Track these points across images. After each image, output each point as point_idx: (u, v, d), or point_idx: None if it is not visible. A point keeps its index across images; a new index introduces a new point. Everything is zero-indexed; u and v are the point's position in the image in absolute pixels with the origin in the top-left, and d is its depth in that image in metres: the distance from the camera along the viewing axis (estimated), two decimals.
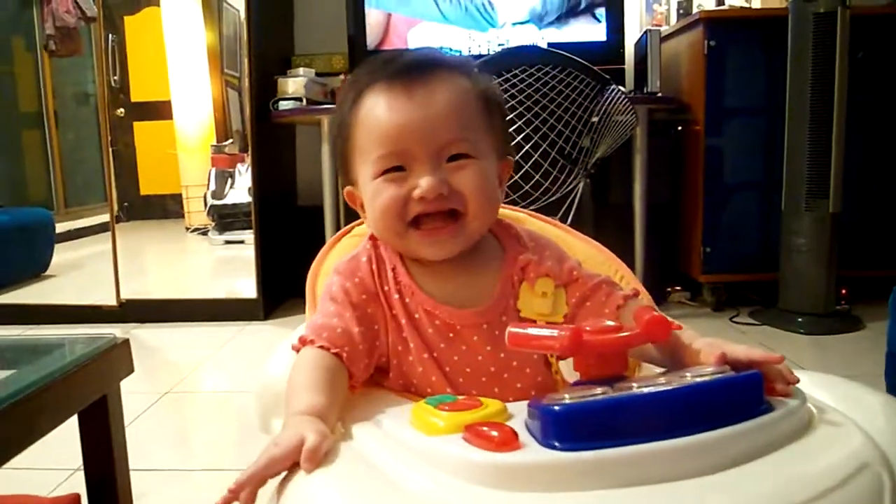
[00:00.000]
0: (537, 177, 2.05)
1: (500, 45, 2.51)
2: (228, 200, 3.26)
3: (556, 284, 0.62)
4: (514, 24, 2.54)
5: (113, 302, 2.48)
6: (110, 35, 3.02)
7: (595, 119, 2.09)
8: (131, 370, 0.79)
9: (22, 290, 2.83)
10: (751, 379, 0.43)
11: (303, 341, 0.57)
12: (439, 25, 2.55)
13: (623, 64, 2.53)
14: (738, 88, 2.32)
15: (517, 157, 2.02)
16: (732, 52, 2.30)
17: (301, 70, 2.53)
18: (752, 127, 2.34)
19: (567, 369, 0.62)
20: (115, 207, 2.70)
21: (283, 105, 2.41)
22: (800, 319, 2.14)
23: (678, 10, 2.59)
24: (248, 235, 2.96)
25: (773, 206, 2.29)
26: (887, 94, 2.28)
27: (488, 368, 0.60)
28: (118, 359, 0.75)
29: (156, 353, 2.16)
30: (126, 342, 0.77)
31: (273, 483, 0.45)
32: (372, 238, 0.65)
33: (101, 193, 3.97)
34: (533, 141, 2.02)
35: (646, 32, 2.39)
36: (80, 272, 3.24)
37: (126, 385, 0.77)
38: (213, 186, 3.35)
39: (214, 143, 3.55)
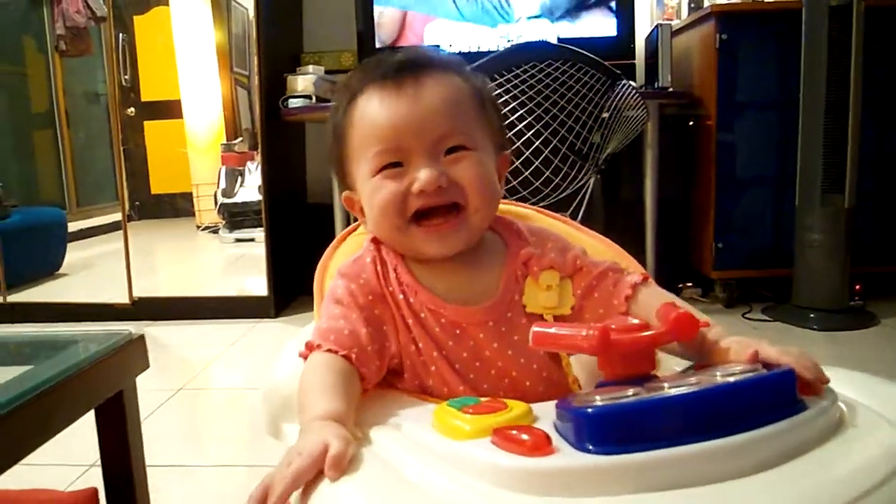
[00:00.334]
0: (547, 173, 2.04)
1: (509, 41, 2.50)
2: (238, 199, 3.27)
3: (562, 276, 0.61)
4: (528, 17, 2.54)
5: (125, 300, 2.50)
6: (121, 34, 3.03)
7: (605, 114, 2.08)
8: (146, 366, 0.79)
9: (35, 288, 2.85)
10: (784, 377, 0.42)
11: (310, 347, 0.56)
12: (455, 23, 2.54)
13: (634, 59, 2.51)
14: (750, 82, 2.30)
15: (527, 153, 2.01)
16: (744, 46, 2.28)
17: (310, 68, 2.53)
18: (765, 121, 2.32)
19: (577, 363, 0.62)
20: (127, 206, 2.72)
21: (293, 103, 2.41)
22: (813, 315, 2.12)
23: (689, 4, 2.57)
24: (259, 233, 2.97)
25: (785, 202, 2.27)
26: None
27: (496, 364, 0.60)
28: (134, 354, 0.76)
29: (168, 350, 2.17)
30: (141, 338, 0.78)
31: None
32: (374, 240, 0.65)
33: (113, 192, 4.00)
34: (543, 137, 2.01)
35: (657, 27, 2.37)
36: (92, 271, 3.26)
37: (139, 382, 0.77)
38: (223, 185, 3.36)
39: (224, 142, 3.56)
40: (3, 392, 0.59)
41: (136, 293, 2.52)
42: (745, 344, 0.50)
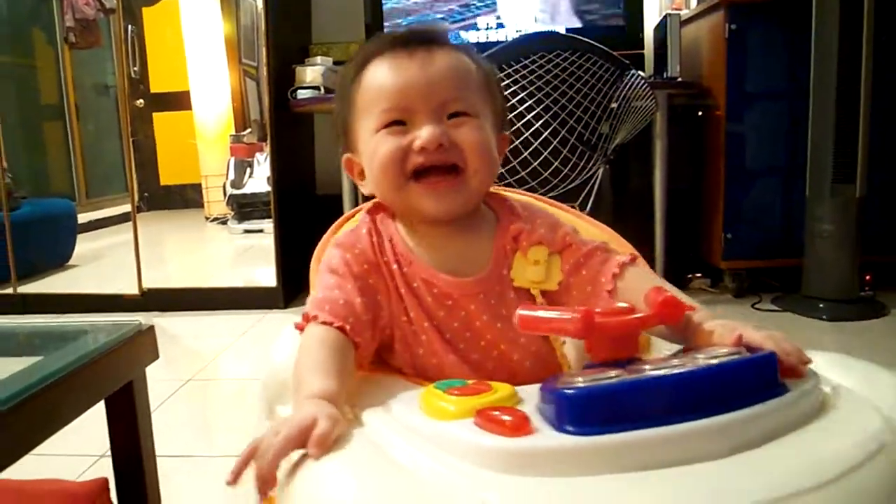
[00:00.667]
0: (556, 163, 2.04)
1: (518, 30, 2.49)
2: (247, 190, 3.28)
3: (550, 252, 0.62)
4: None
5: (135, 291, 2.52)
6: (130, 26, 3.03)
7: (614, 105, 2.07)
8: (156, 356, 0.79)
9: (46, 279, 2.87)
10: (765, 360, 0.42)
11: (306, 318, 0.57)
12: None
13: (642, 49, 2.49)
14: (759, 72, 2.28)
15: (536, 144, 2.01)
16: (754, 36, 2.26)
17: (319, 59, 2.53)
18: (775, 111, 2.30)
19: (571, 343, 0.63)
20: (136, 198, 2.73)
21: (301, 94, 2.41)
22: (822, 306, 2.11)
23: None
24: (267, 224, 2.98)
25: (795, 192, 2.25)
26: None
27: (485, 336, 0.60)
28: (143, 345, 0.76)
29: (177, 340, 2.19)
30: (151, 329, 0.78)
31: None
32: (370, 212, 0.66)
33: (122, 184, 4.02)
34: (552, 127, 2.00)
35: (665, 17, 2.35)
36: (102, 262, 3.28)
37: (149, 372, 0.78)
38: (231, 176, 3.37)
39: (233, 133, 3.57)
40: (13, 383, 0.59)
41: (146, 284, 2.54)
42: (729, 327, 0.50)
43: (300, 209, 2.74)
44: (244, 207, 3.25)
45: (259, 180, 3.28)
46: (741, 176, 2.30)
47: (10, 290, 2.62)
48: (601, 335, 0.46)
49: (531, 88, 1.97)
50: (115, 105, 4.15)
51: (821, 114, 2.09)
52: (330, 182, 2.67)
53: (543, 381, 0.44)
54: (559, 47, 1.96)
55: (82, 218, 3.46)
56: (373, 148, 0.61)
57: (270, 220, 2.61)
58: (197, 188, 3.56)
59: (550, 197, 2.10)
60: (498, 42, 2.43)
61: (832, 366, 0.48)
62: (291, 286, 2.53)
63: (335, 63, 2.60)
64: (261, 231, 3.16)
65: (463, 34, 2.54)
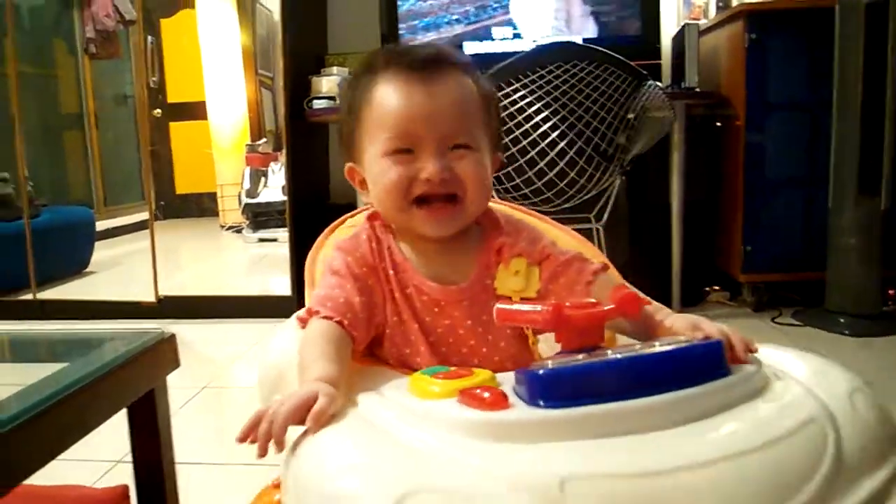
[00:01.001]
0: (572, 174, 2.03)
1: (534, 41, 2.49)
2: (262, 199, 3.29)
3: (529, 263, 0.67)
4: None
5: (151, 298, 2.53)
6: (149, 37, 3.07)
7: (631, 115, 2.06)
8: (177, 364, 0.79)
9: (64, 286, 2.90)
10: (712, 347, 0.49)
11: (309, 312, 0.62)
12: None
13: (659, 59, 2.48)
14: (779, 82, 2.26)
15: (552, 154, 2.00)
16: (774, 46, 2.24)
17: (334, 69, 2.55)
18: (795, 122, 2.28)
19: (545, 344, 0.68)
20: (153, 206, 2.75)
21: (317, 104, 2.43)
22: (844, 320, 2.08)
23: (717, 4, 2.53)
24: (282, 233, 2.99)
25: (816, 204, 2.22)
26: None
27: (468, 341, 0.66)
28: (165, 353, 0.76)
29: (193, 348, 2.19)
30: (172, 337, 0.78)
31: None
32: (369, 219, 0.71)
33: (139, 192, 4.05)
34: (568, 138, 1.99)
35: (684, 26, 2.34)
36: (119, 269, 3.31)
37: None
38: (247, 185, 3.39)
39: (248, 143, 3.59)
40: (40, 389, 0.59)
41: (162, 292, 2.55)
42: (686, 320, 0.57)
43: (315, 218, 2.73)
44: (259, 216, 3.27)
45: (274, 189, 3.30)
46: (761, 187, 2.28)
47: (29, 297, 2.65)
48: (569, 326, 0.51)
49: (548, 99, 1.96)
50: (133, 115, 4.19)
51: (844, 124, 2.07)
52: (344, 191, 2.68)
53: (517, 370, 0.50)
54: (576, 58, 1.95)
55: (100, 226, 3.49)
56: (379, 171, 0.65)
57: (285, 229, 2.62)
58: (212, 197, 3.59)
59: (566, 208, 2.10)
60: (514, 53, 2.43)
61: (775, 355, 0.55)
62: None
63: (351, 73, 2.61)
64: (275, 240, 3.17)
65: (478, 45, 2.55)
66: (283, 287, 2.50)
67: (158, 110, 3.68)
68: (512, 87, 1.95)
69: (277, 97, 3.04)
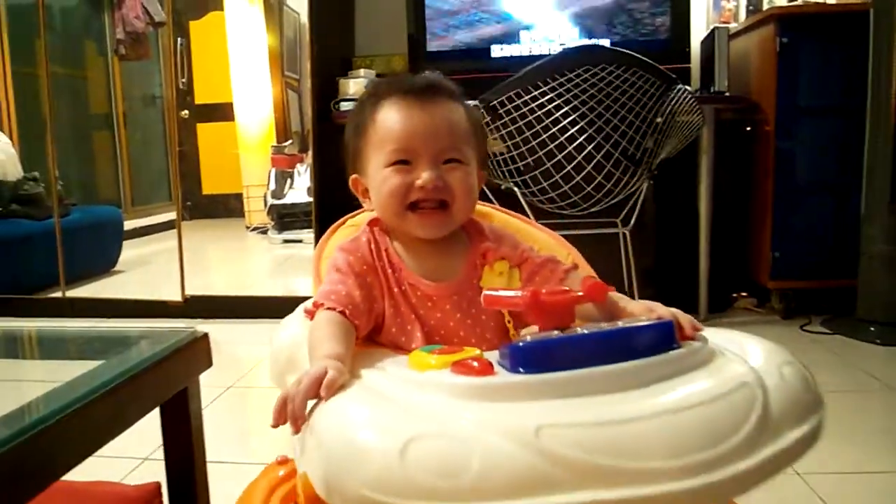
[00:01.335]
0: (599, 178, 2.01)
1: (561, 44, 2.48)
2: (288, 200, 3.32)
3: (511, 265, 0.77)
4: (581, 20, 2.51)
5: (178, 297, 2.55)
6: (179, 39, 3.11)
7: (659, 119, 2.04)
8: (209, 364, 0.80)
9: (93, 284, 2.94)
10: (664, 325, 0.58)
11: (316, 305, 0.69)
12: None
13: (688, 62, 2.46)
14: (811, 87, 2.22)
15: (580, 158, 1.98)
16: (806, 50, 2.21)
17: (362, 71, 2.56)
18: (826, 127, 2.24)
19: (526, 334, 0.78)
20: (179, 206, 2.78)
21: (345, 106, 2.44)
22: (874, 329, 2.04)
23: (747, 7, 2.50)
24: (307, 235, 3.00)
25: (847, 210, 2.19)
26: None
27: (458, 332, 0.74)
28: (198, 352, 0.77)
29: (218, 347, 2.17)
30: (205, 336, 0.79)
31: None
32: (369, 224, 0.79)
33: (166, 193, 4.11)
34: (596, 142, 1.98)
35: (713, 30, 2.32)
36: (146, 268, 3.35)
37: None
38: (272, 186, 3.42)
39: (274, 144, 3.62)
40: (77, 387, 0.60)
41: (188, 291, 2.57)
42: (643, 305, 0.68)
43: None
44: (284, 217, 3.29)
45: (299, 191, 3.32)
46: (791, 193, 2.25)
47: (58, 294, 2.69)
48: (544, 309, 0.59)
49: (576, 102, 1.95)
50: (161, 115, 4.26)
51: (877, 129, 2.03)
52: None
53: (502, 346, 0.58)
54: (605, 61, 1.94)
55: (127, 225, 3.54)
56: (381, 179, 0.74)
57: (310, 230, 2.63)
58: (238, 198, 3.63)
59: (592, 212, 2.09)
60: (542, 55, 2.43)
61: (719, 335, 0.64)
62: None
63: (378, 75, 2.62)
64: (300, 241, 3.19)
65: (505, 48, 2.55)
66: (307, 288, 2.51)
67: (186, 111, 3.72)
68: (540, 91, 1.94)
69: (303, 99, 3.07)
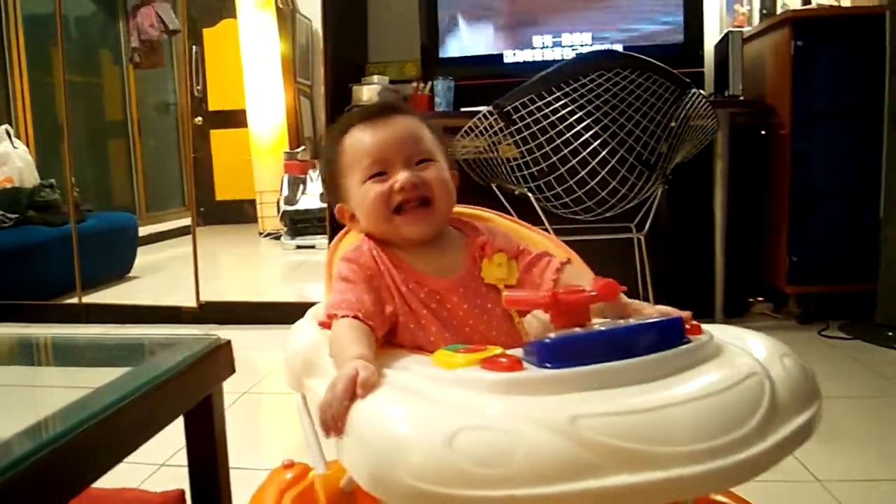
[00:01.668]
0: (614, 183, 2.00)
1: (574, 49, 2.48)
2: (300, 206, 3.33)
3: (508, 257, 0.81)
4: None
5: (193, 303, 2.57)
6: (194, 47, 3.13)
7: (674, 124, 2.03)
8: (233, 371, 0.80)
9: (108, 290, 2.96)
10: (674, 321, 0.62)
11: (329, 317, 0.71)
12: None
13: (702, 66, 2.45)
14: (826, 90, 2.21)
15: (594, 163, 1.98)
16: (821, 53, 2.19)
17: (375, 78, 2.56)
18: (843, 130, 2.23)
19: (527, 321, 0.84)
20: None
21: None
22: (892, 334, 2.02)
23: (761, 11, 2.49)
24: (320, 240, 3.01)
25: (865, 214, 2.17)
26: None
27: (468, 321, 0.77)
28: (221, 359, 0.77)
29: (234, 354, 2.21)
30: (228, 343, 0.79)
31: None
32: (367, 235, 0.82)
33: (180, 199, 4.14)
34: (610, 147, 1.97)
35: (727, 34, 2.31)
36: (160, 274, 3.37)
37: None
38: (285, 192, 3.43)
39: (287, 150, 3.64)
40: (108, 392, 0.60)
41: (202, 297, 2.58)
42: (649, 305, 0.73)
43: None
44: (297, 223, 3.31)
45: (312, 197, 3.34)
46: (807, 197, 2.23)
47: (75, 300, 2.71)
48: (563, 308, 0.63)
49: (590, 108, 1.94)
50: (175, 122, 4.30)
51: (894, 132, 2.01)
52: None
53: (525, 343, 0.61)
54: (618, 66, 1.93)
55: (141, 231, 3.57)
56: (363, 194, 0.78)
57: (323, 236, 2.65)
58: (251, 204, 3.65)
59: (607, 217, 2.08)
60: (554, 61, 2.43)
61: (724, 331, 0.68)
62: None
63: (391, 82, 2.63)
64: (313, 247, 3.21)
65: (518, 53, 2.55)
66: (320, 294, 2.52)
67: (199, 118, 3.75)
68: (554, 96, 1.94)
69: (316, 105, 3.09)
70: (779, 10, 2.43)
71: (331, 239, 2.87)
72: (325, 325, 0.72)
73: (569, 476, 0.48)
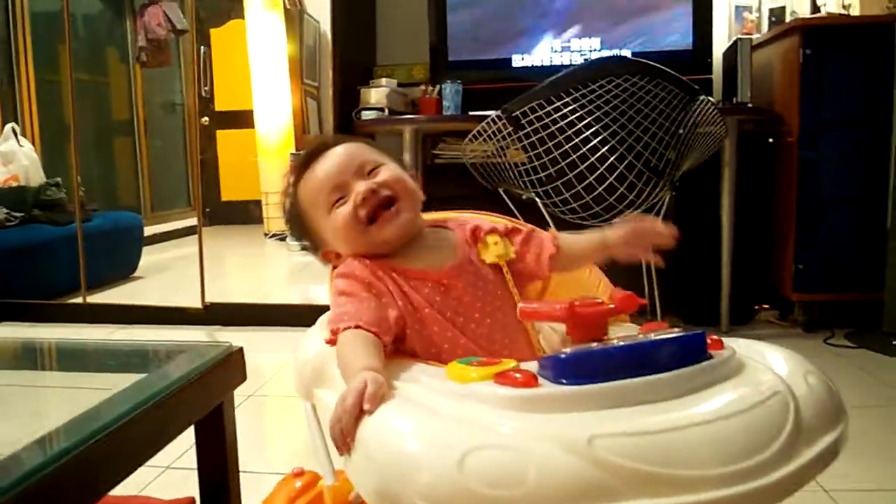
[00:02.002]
0: (622, 189, 2.00)
1: (583, 55, 2.48)
2: None
3: (500, 235, 0.83)
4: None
5: (198, 304, 2.57)
6: (202, 48, 3.13)
7: (682, 131, 2.03)
8: (244, 378, 0.80)
9: (114, 290, 2.96)
10: (696, 336, 0.59)
11: (333, 332, 0.70)
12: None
13: (710, 73, 2.45)
14: (835, 99, 2.20)
15: (602, 169, 1.98)
16: (830, 62, 2.19)
17: (383, 80, 2.56)
18: (851, 138, 2.22)
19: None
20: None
21: (366, 115, 2.44)
22: None
23: (770, 18, 2.49)
24: None
25: (872, 222, 2.16)
26: None
27: (476, 305, 0.77)
28: (233, 366, 0.77)
29: None
30: (240, 350, 0.79)
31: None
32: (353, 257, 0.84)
33: (185, 198, 4.14)
34: (618, 153, 1.97)
35: (736, 41, 2.30)
36: (165, 274, 3.37)
37: None
38: None
39: (293, 151, 3.64)
40: (122, 401, 0.60)
41: (207, 298, 2.58)
42: (617, 227, 0.79)
43: None
44: None
45: None
46: (814, 204, 2.23)
47: (79, 300, 2.71)
48: (579, 320, 0.61)
49: (598, 113, 1.94)
50: (181, 122, 4.30)
51: None
52: None
53: (540, 358, 0.59)
54: (628, 72, 1.93)
55: (146, 231, 3.56)
56: (333, 222, 0.79)
57: None
58: (257, 204, 3.64)
59: (614, 223, 2.08)
60: (562, 65, 2.43)
61: (743, 346, 0.65)
62: None
63: (399, 85, 2.62)
64: None
65: (526, 58, 2.55)
66: (325, 296, 2.51)
67: (206, 118, 3.75)
68: (563, 101, 1.94)
69: (323, 106, 3.08)
70: (788, 18, 2.43)
71: None
72: (331, 341, 0.71)
73: (584, 499, 0.47)
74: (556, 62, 2.49)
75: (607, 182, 1.99)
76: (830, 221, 2.23)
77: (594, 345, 0.58)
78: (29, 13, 3.47)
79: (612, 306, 0.63)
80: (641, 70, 1.94)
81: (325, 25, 2.79)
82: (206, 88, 3.38)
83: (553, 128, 1.97)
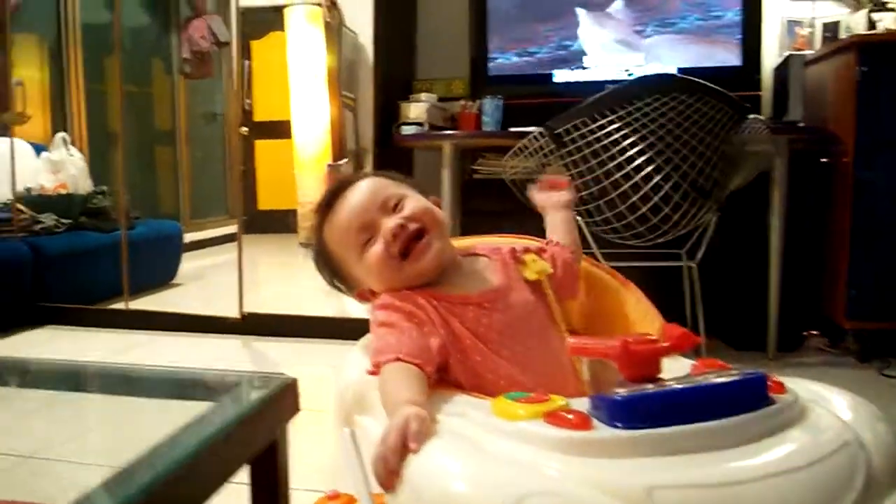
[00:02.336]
0: (667, 209, 1.95)
1: (629, 73, 2.43)
2: None
3: (536, 254, 0.86)
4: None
5: (236, 314, 2.58)
6: (246, 62, 3.17)
7: (730, 150, 1.98)
8: (297, 410, 0.78)
9: (153, 296, 3.00)
10: (757, 379, 0.56)
11: (376, 365, 0.70)
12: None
13: (759, 90, 2.38)
14: (892, 118, 2.12)
15: (646, 189, 1.93)
16: (887, 80, 2.11)
17: (423, 95, 2.55)
18: None
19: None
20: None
21: (406, 129, 2.44)
22: None
23: (824, 34, 2.42)
24: None
25: None
26: None
27: (519, 326, 0.77)
28: (289, 399, 0.75)
29: (276, 367, 2.21)
30: (294, 382, 0.77)
31: None
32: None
33: (223, 207, 4.19)
34: (664, 172, 1.92)
35: (788, 57, 2.24)
36: (203, 282, 3.41)
37: None
38: None
39: (329, 163, 3.66)
40: (188, 436, 0.58)
41: (245, 308, 2.59)
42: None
43: None
44: None
45: None
46: (870, 228, 2.14)
47: (121, 305, 2.75)
48: (633, 358, 0.59)
49: (644, 132, 1.90)
50: (221, 132, 4.36)
51: None
52: None
53: (592, 395, 0.57)
54: (675, 90, 1.89)
55: (185, 238, 3.62)
56: (366, 263, 0.80)
57: None
58: (293, 214, 3.67)
59: (658, 243, 2.03)
60: (606, 81, 2.39)
61: (804, 388, 0.62)
62: None
63: (439, 100, 2.61)
64: None
65: (569, 73, 2.52)
66: (359, 309, 2.50)
67: (245, 128, 3.80)
68: (607, 119, 1.90)
69: (360, 119, 3.09)
70: (843, 34, 2.35)
71: None
72: (373, 373, 0.71)
73: None
74: (599, 78, 2.45)
75: (652, 202, 1.94)
76: (886, 246, 2.14)
77: (650, 386, 0.56)
78: (80, 25, 3.56)
79: (666, 345, 0.61)
80: (689, 88, 1.89)
81: (363, 38, 2.80)
82: (249, 102, 3.42)
83: (597, 146, 1.93)
